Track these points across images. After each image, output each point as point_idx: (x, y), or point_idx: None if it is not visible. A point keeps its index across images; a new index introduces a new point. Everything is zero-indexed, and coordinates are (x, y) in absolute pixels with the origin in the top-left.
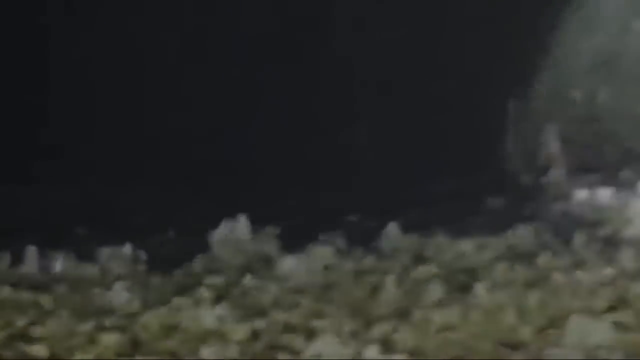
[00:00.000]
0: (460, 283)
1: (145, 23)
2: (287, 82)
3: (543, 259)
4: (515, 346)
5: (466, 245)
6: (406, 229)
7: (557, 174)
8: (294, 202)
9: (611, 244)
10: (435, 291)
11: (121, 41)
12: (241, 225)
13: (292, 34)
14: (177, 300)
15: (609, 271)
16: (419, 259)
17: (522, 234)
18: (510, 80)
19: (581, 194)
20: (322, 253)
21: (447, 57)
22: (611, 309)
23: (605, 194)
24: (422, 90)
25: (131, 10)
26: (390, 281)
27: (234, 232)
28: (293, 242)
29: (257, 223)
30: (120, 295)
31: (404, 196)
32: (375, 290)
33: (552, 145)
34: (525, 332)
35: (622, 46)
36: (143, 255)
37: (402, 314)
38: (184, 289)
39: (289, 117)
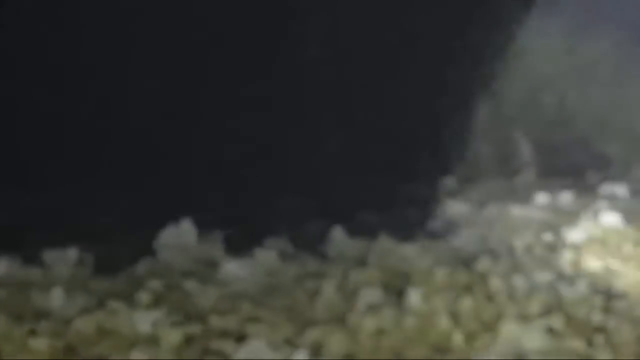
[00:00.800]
0: (398, 288)
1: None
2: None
3: (482, 264)
4: (446, 351)
5: (409, 250)
6: (354, 233)
7: (525, 179)
8: (244, 205)
9: (553, 249)
10: (372, 296)
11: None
12: (186, 228)
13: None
14: (113, 304)
15: (545, 276)
16: (362, 263)
17: (468, 239)
18: (479, 85)
19: (542, 198)
20: (265, 258)
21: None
22: (544, 314)
23: (566, 198)
24: (382, 93)
25: None
26: (329, 286)
27: (179, 236)
28: (240, 246)
29: (206, 227)
30: (58, 299)
31: (359, 199)
32: (314, 295)
33: (522, 149)
34: (458, 338)
35: (591, 51)
36: (89, 258)
37: (338, 319)
38: (124, 293)
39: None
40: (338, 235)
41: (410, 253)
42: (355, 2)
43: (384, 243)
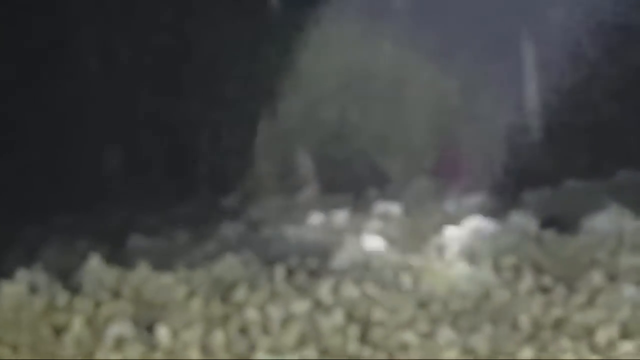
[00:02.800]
0: (150, 321)
1: None
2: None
3: (240, 294)
4: None
5: (167, 279)
6: (115, 259)
7: (307, 195)
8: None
9: (315, 274)
10: (122, 330)
11: None
12: None
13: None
14: None
15: (303, 305)
16: (116, 294)
17: (230, 265)
18: (260, 100)
19: (317, 218)
20: (11, 291)
21: (198, 79)
22: (299, 345)
23: (341, 217)
24: (160, 112)
25: None
26: (78, 320)
27: None
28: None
29: None
30: None
31: (137, 222)
32: (61, 330)
33: (302, 165)
34: None
35: (371, 66)
36: None
37: (85, 356)
38: None
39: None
40: (94, 263)
41: (168, 282)
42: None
43: (141, 272)
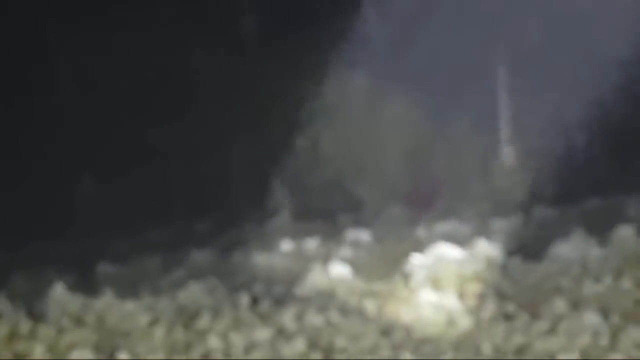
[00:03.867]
0: (112, 348)
1: None
2: None
3: (203, 321)
4: None
5: (131, 307)
6: (81, 287)
7: (281, 222)
8: None
9: (280, 302)
10: (84, 358)
11: None
12: None
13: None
14: None
15: (266, 332)
16: (79, 321)
17: (195, 292)
18: (235, 128)
19: (287, 244)
20: None
21: (172, 106)
22: None
23: (312, 244)
24: (134, 139)
25: None
26: (39, 347)
27: None
28: None
29: None
30: None
31: (109, 248)
32: (23, 357)
33: (276, 192)
34: None
35: (343, 96)
36: None
37: None
38: None
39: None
40: (58, 291)
41: (132, 310)
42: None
43: (106, 299)
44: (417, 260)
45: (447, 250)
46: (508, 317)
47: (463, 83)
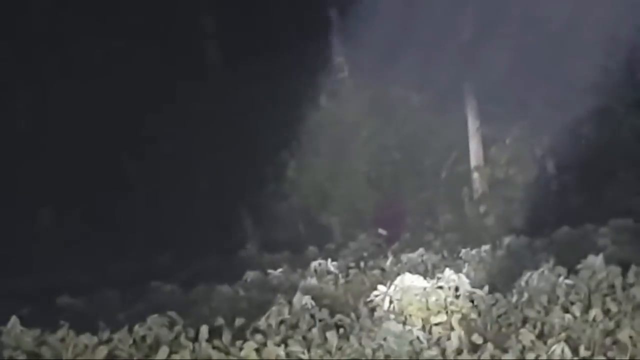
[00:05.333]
0: None
1: None
2: None
3: (161, 354)
4: None
5: (88, 340)
6: (39, 320)
7: (247, 253)
8: None
9: (241, 335)
10: None
11: None
12: None
13: None
14: None
15: None
16: (35, 356)
17: (153, 325)
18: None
19: (252, 276)
20: None
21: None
22: None
23: (277, 276)
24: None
25: None
26: None
27: None
28: None
29: None
30: None
31: (70, 281)
32: None
33: (241, 223)
34: None
35: (311, 122)
36: None
37: None
38: None
39: None
40: (14, 325)
41: (89, 344)
42: None
43: (62, 333)
44: (383, 291)
45: (415, 280)
46: (474, 349)
47: (432, 112)
